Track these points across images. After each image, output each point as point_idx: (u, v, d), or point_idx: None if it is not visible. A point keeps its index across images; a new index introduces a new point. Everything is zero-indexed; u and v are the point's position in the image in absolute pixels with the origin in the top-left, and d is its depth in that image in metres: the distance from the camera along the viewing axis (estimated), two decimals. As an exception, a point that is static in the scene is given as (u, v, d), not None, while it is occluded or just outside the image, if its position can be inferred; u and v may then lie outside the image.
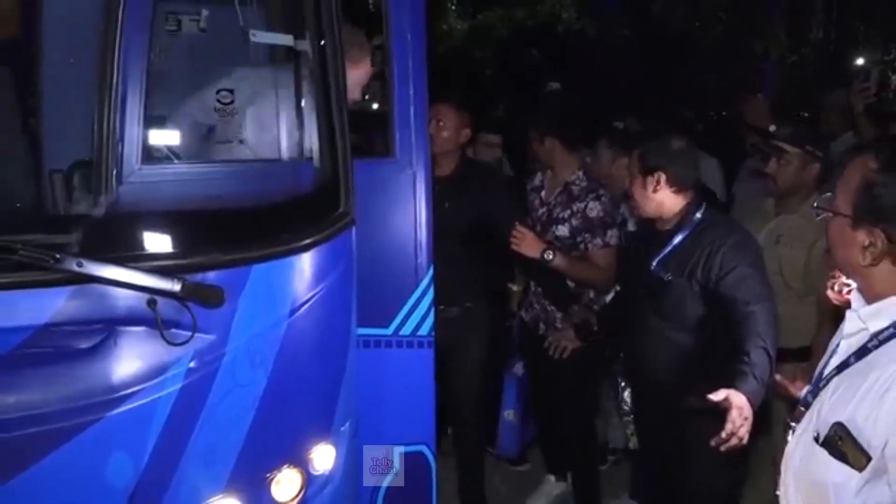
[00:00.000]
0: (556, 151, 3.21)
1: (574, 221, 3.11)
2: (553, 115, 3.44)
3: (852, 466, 1.24)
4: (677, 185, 2.41)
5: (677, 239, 2.42)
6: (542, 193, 3.28)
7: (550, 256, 2.92)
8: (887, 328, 1.28)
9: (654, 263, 2.43)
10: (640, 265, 2.52)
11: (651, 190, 2.42)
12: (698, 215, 2.42)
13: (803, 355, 2.58)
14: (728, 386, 2.10)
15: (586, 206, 3.09)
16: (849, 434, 1.25)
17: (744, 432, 2.09)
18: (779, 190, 2.86)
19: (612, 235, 3.09)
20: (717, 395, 2.08)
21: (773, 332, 2.22)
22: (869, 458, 1.22)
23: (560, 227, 3.14)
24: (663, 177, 2.40)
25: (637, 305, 2.56)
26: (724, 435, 2.09)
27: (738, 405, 2.08)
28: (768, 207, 2.96)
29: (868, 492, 1.23)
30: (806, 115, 4.41)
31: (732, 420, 2.07)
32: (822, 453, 1.30)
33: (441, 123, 3.07)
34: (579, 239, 3.09)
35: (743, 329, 2.21)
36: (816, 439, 1.32)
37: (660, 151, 2.42)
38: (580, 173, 3.18)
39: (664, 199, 2.43)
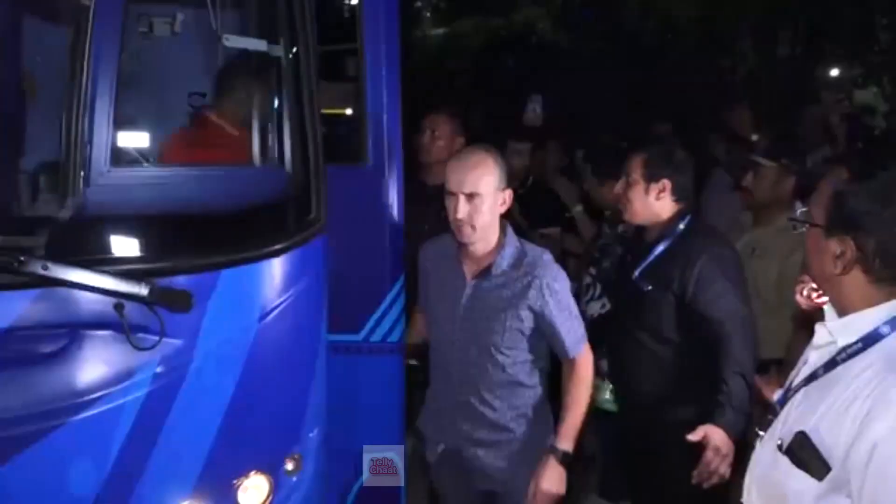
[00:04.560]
0: None
1: None
2: None
3: (813, 476, 1.26)
4: (679, 195, 2.36)
5: (659, 248, 2.37)
6: None
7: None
8: (855, 343, 1.30)
9: (637, 273, 2.39)
10: (625, 274, 2.47)
11: (654, 197, 2.36)
12: (682, 225, 2.37)
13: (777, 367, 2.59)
14: (706, 413, 2.07)
15: None
16: (811, 444, 1.27)
17: (724, 469, 2.05)
18: (755, 203, 2.89)
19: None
20: (695, 435, 2.04)
21: (749, 354, 2.17)
22: (829, 469, 1.24)
23: None
24: (669, 185, 2.34)
25: (621, 316, 2.53)
26: (695, 474, 2.06)
27: (714, 445, 2.04)
28: (745, 221, 2.99)
29: (827, 502, 1.25)
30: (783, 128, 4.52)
31: (708, 461, 2.04)
32: (785, 461, 1.32)
33: (435, 133, 2.99)
34: None
35: (720, 352, 2.17)
36: (780, 447, 1.34)
37: (666, 160, 2.38)
38: None
39: (664, 208, 2.37)
